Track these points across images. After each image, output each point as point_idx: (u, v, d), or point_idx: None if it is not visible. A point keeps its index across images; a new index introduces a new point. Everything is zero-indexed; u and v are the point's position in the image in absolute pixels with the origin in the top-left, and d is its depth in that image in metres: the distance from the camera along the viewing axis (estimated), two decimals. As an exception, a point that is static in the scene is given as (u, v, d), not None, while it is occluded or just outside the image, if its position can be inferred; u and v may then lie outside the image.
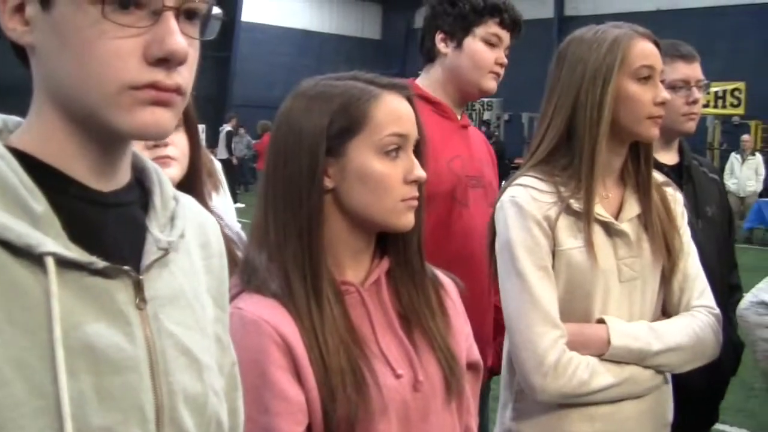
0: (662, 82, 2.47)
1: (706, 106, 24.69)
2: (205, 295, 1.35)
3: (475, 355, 2.10)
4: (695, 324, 2.45)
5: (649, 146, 2.51)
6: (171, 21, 1.14)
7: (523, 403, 2.45)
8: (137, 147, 2.05)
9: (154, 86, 1.14)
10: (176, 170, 2.17)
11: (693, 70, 3.21)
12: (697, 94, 3.19)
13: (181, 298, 1.27)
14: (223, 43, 31.44)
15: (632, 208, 2.48)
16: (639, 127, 2.41)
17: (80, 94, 1.13)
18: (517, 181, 2.44)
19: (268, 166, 1.90)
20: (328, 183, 1.84)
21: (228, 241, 1.88)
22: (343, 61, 31.00)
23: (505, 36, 3.21)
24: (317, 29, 33.62)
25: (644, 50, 2.41)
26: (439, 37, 3.23)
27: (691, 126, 3.22)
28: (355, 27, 32.74)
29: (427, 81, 3.29)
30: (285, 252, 1.82)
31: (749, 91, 24.34)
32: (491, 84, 3.23)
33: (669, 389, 2.54)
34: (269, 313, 1.76)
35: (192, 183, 2.25)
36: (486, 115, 28.95)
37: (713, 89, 24.62)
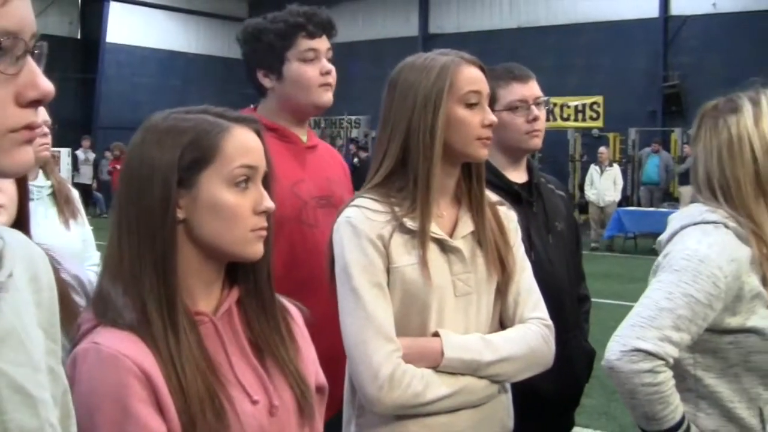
0: (491, 105, 2.57)
1: (567, 119, 25.49)
2: (37, 329, 1.34)
3: (321, 378, 2.15)
4: (528, 335, 2.52)
5: (480, 166, 2.59)
6: (32, 63, 1.17)
7: (364, 417, 2.49)
8: None
9: (29, 127, 1.18)
10: (3, 218, 2.04)
11: (529, 89, 3.28)
12: (537, 111, 3.25)
13: (13, 337, 1.27)
14: (88, 64, 30.92)
15: (466, 225, 2.54)
16: (469, 148, 2.49)
17: None
18: (353, 203, 2.49)
19: (120, 198, 1.89)
20: (180, 214, 1.85)
21: (63, 285, 1.87)
22: (209, 81, 30.86)
23: (320, 44, 3.14)
24: (183, 50, 33.12)
25: (471, 76, 2.50)
26: (260, 74, 3.17)
27: (537, 143, 3.29)
28: (222, 47, 32.38)
29: (265, 110, 3.22)
30: (141, 283, 1.81)
31: (607, 104, 25.11)
32: (325, 97, 3.17)
33: (507, 398, 2.61)
34: (127, 347, 1.75)
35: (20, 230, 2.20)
36: (354, 133, 29.15)
37: (573, 103, 25.43)
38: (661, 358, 2.37)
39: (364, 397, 2.38)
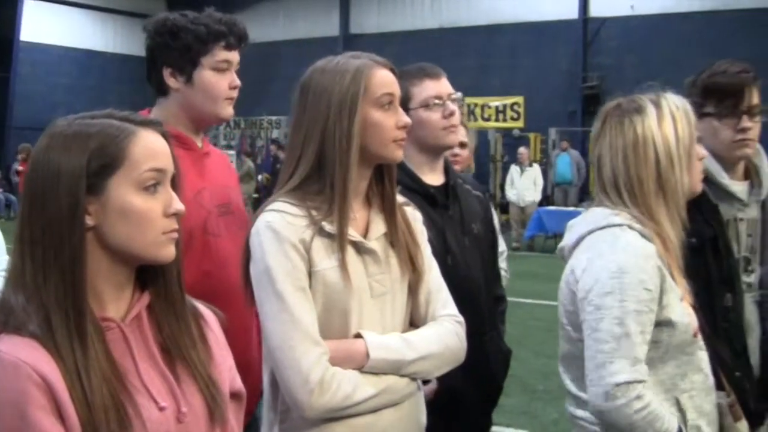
0: (405, 105, 2.57)
1: (487, 119, 25.66)
2: None
3: (238, 384, 2.15)
4: (443, 332, 2.55)
5: (392, 167, 2.61)
6: None
7: (288, 422, 2.48)
8: None
9: None
10: None
11: (442, 86, 3.28)
12: (452, 106, 3.26)
13: None
14: (2, 63, 30.43)
15: (379, 227, 2.57)
16: (385, 151, 2.52)
17: None
18: (271, 207, 2.48)
19: (24, 208, 1.86)
20: (89, 221, 1.83)
21: None
22: (127, 80, 30.52)
23: (234, 56, 3.09)
24: (101, 49, 32.81)
25: (384, 79, 2.51)
26: (167, 72, 3.05)
27: (453, 139, 3.31)
28: (140, 46, 31.65)
29: (162, 114, 3.07)
30: (45, 292, 1.79)
31: (528, 104, 25.36)
32: (228, 111, 3.12)
33: (421, 395, 2.63)
34: (28, 354, 1.73)
35: None
36: (274, 133, 29.03)
37: (494, 103, 25.62)
38: (639, 381, 2.45)
39: (293, 402, 2.37)
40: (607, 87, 24.88)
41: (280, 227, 2.42)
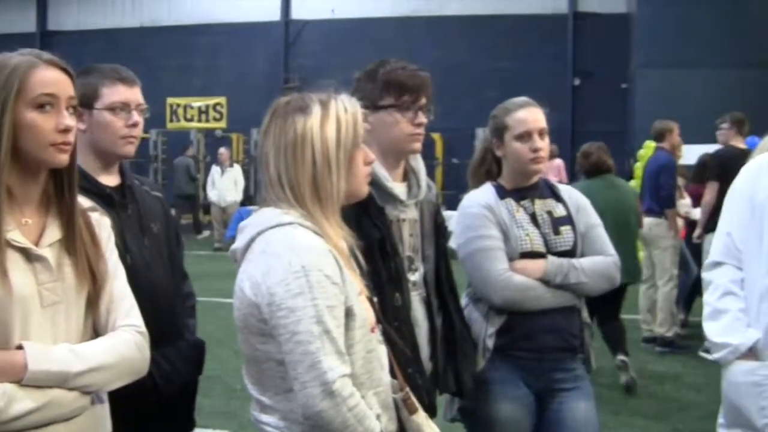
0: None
1: (190, 120, 25.54)
2: None
3: None
4: (119, 343, 2.47)
5: (71, 173, 2.52)
6: None
7: None
8: None
9: None
10: None
11: (134, 94, 3.26)
12: (137, 117, 3.24)
13: None
14: None
15: (54, 233, 2.46)
16: (43, 154, 2.40)
17: None
18: None
19: None
20: None
21: None
22: None
23: None
24: None
25: (46, 78, 2.39)
26: None
27: (130, 150, 3.28)
28: None
29: None
30: None
31: (230, 105, 25.42)
32: None
33: (103, 408, 2.55)
34: None
35: None
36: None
37: (196, 104, 25.52)
38: (348, 375, 2.46)
39: None
40: (308, 88, 25.28)
41: None
